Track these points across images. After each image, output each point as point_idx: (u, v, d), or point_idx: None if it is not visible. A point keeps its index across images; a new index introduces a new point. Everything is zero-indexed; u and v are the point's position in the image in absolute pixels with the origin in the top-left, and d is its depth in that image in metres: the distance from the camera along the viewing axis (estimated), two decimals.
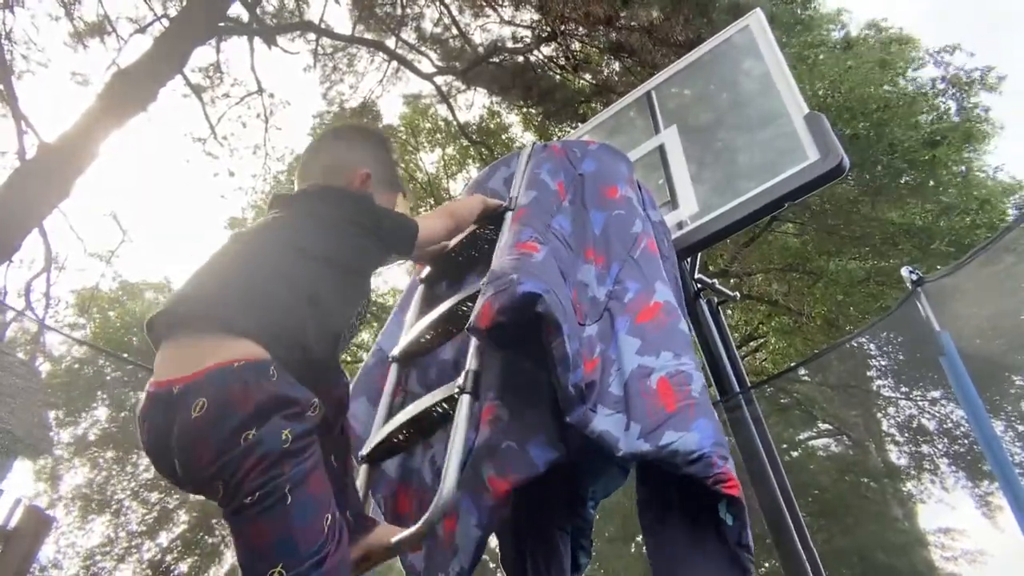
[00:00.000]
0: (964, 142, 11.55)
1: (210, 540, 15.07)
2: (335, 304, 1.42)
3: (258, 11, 12.74)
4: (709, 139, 2.50)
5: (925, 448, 13.66)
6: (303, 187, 1.68)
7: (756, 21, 2.47)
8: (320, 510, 1.14)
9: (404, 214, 1.75)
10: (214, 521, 15.12)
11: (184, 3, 11.71)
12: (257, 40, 12.96)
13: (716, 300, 2.45)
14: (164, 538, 14.72)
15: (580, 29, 13.09)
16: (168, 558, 14.58)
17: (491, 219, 1.95)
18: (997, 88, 11.89)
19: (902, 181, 11.59)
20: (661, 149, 2.41)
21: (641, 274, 1.69)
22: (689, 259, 2.28)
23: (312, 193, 1.62)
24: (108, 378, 14.73)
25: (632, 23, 12.07)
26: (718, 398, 2.23)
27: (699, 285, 2.36)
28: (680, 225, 2.14)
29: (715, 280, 2.43)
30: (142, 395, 1.24)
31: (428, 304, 2.03)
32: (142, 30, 12.24)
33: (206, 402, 1.12)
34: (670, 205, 2.23)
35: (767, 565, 12.60)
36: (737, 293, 2.61)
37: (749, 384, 2.32)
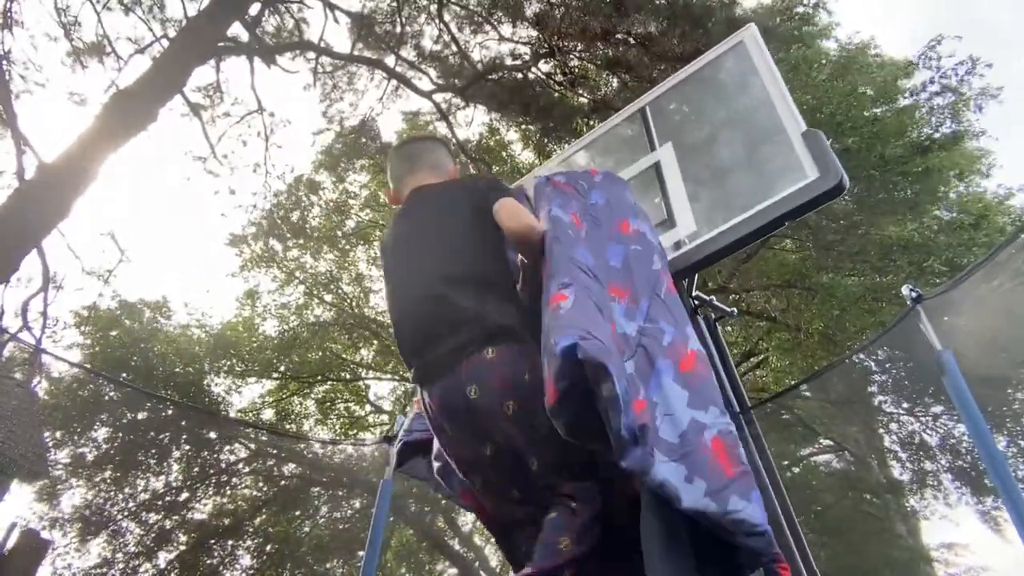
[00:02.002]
0: (955, 144, 11.55)
1: (208, 561, 14.93)
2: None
3: (258, 31, 12.82)
4: (706, 156, 2.48)
5: (928, 464, 13.58)
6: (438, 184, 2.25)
7: (750, 36, 2.44)
8: None
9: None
10: (212, 542, 15.01)
11: (184, 24, 11.80)
12: (257, 60, 13.03)
13: (714, 316, 2.43)
14: (162, 559, 14.59)
15: (577, 45, 13.18)
16: None
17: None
18: (989, 91, 11.86)
19: (898, 195, 11.60)
20: (657, 167, 2.38)
21: (672, 316, 1.66)
22: (686, 278, 2.25)
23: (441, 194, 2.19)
24: (106, 398, 14.65)
25: (629, 38, 12.15)
26: None
27: (696, 302, 2.34)
28: (678, 245, 2.11)
29: (712, 296, 2.40)
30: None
31: None
32: (141, 51, 12.30)
33: None
34: (667, 224, 2.21)
35: None
36: (735, 309, 2.59)
37: (749, 404, 2.29)
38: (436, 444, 1.99)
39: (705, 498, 1.29)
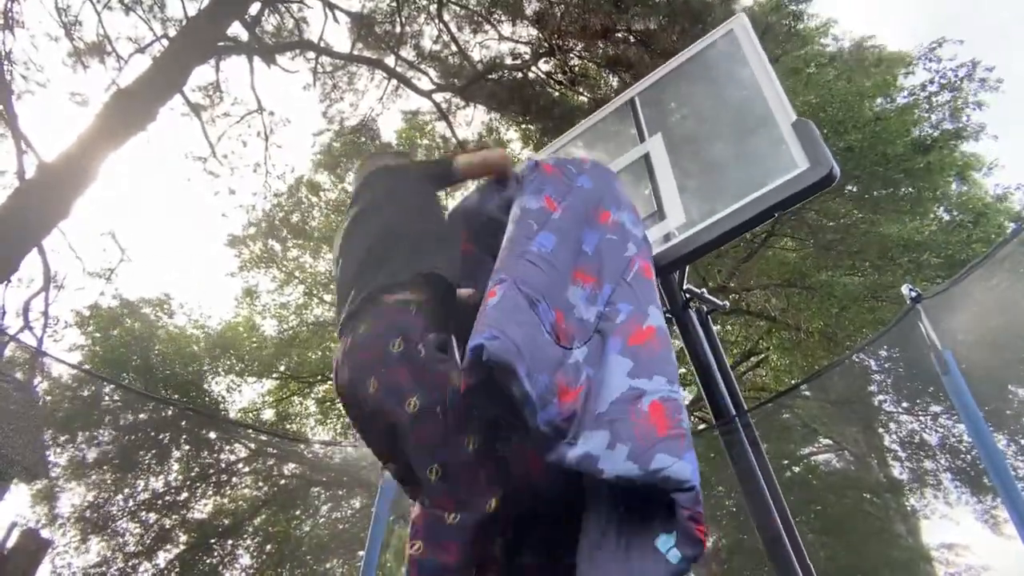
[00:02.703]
0: (955, 140, 11.54)
1: (208, 560, 14.94)
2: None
3: (257, 30, 12.82)
4: (696, 147, 2.45)
5: (928, 463, 13.57)
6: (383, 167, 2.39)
7: (740, 26, 2.42)
8: None
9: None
10: (212, 541, 15.01)
11: (184, 23, 11.80)
12: (257, 59, 13.04)
13: (706, 310, 2.42)
14: (162, 559, 14.59)
15: (577, 44, 13.17)
16: None
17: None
18: (989, 84, 11.84)
19: (899, 193, 11.59)
20: (647, 158, 2.37)
21: (635, 296, 1.68)
22: (676, 270, 2.24)
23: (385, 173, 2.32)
24: (106, 399, 14.66)
25: (629, 35, 12.15)
26: (713, 420, 2.20)
27: (687, 295, 2.33)
28: (668, 237, 2.09)
29: (704, 290, 2.39)
30: None
31: None
32: (142, 50, 12.32)
33: None
34: (657, 216, 2.19)
35: None
36: (726, 303, 2.59)
37: (746, 406, 2.28)
38: None
39: (627, 462, 1.30)
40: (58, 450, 14.04)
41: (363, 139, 15.17)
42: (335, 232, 2.51)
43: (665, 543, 1.26)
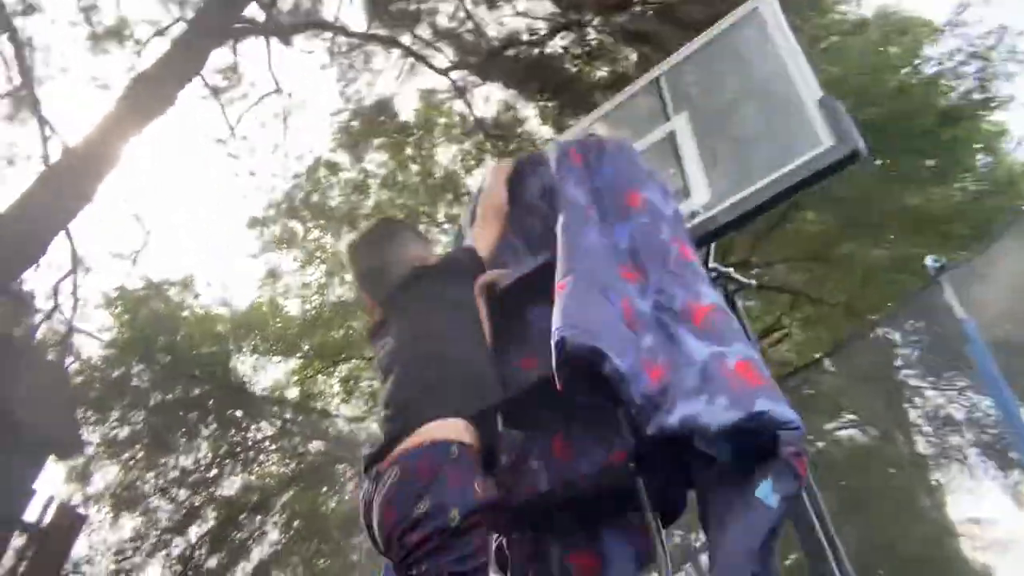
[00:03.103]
0: (983, 111, 11.28)
1: (238, 536, 15.27)
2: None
3: (274, 11, 12.81)
4: (721, 125, 2.45)
5: (953, 438, 13.45)
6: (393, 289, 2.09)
7: (764, 2, 2.42)
8: None
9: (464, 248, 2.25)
10: (242, 518, 15.33)
11: (201, 5, 11.82)
12: (274, 40, 13.05)
13: (732, 288, 2.42)
14: (193, 534, 14.95)
15: (595, 18, 13.02)
16: (197, 554, 14.80)
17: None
18: (1019, 56, 11.50)
19: (925, 164, 11.39)
20: (672, 136, 2.38)
21: (683, 282, 1.70)
22: (703, 248, 2.25)
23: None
24: (135, 379, 14.94)
25: (647, 7, 11.98)
26: None
27: (714, 274, 2.34)
28: (693, 215, 2.11)
29: (731, 269, 2.40)
30: None
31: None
32: (160, 33, 12.36)
33: None
34: (682, 194, 2.20)
35: (792, 557, 12.50)
36: (753, 281, 2.59)
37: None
38: None
39: (729, 411, 1.33)
40: (91, 428, 14.37)
41: (381, 117, 15.16)
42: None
43: (763, 490, 1.29)
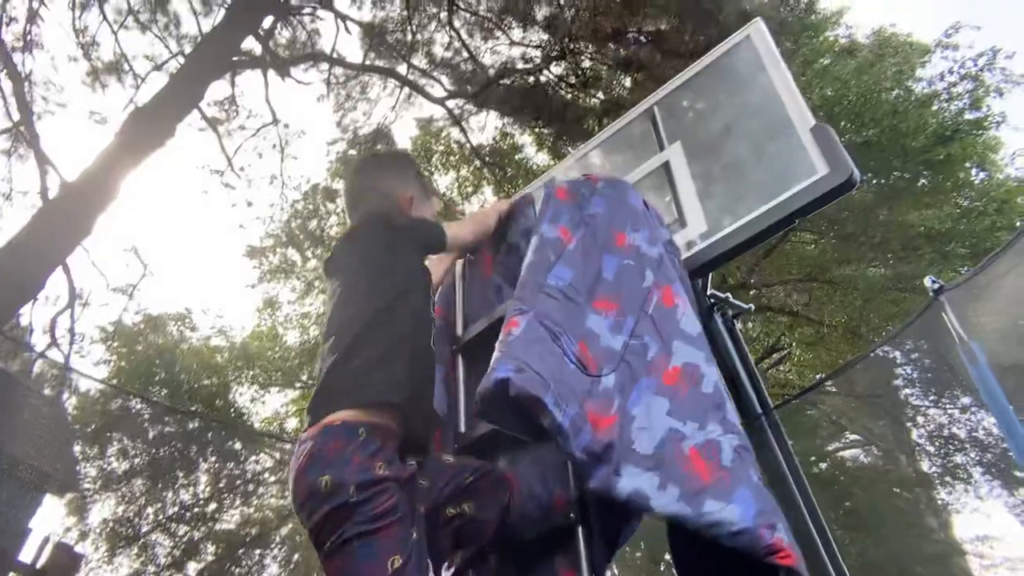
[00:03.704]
0: (977, 132, 11.38)
1: (237, 571, 15.07)
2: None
3: (271, 44, 12.95)
4: (715, 154, 2.44)
5: (957, 457, 13.38)
6: (350, 228, 2.01)
7: (756, 30, 2.42)
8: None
9: (433, 221, 2.09)
10: (240, 552, 15.14)
11: (199, 40, 11.95)
12: (271, 72, 13.17)
13: (731, 313, 2.41)
14: (191, 570, 14.75)
15: (589, 46, 13.17)
16: None
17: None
18: (1012, 78, 11.62)
19: (919, 184, 11.47)
20: (666, 166, 2.37)
21: (657, 331, 1.65)
22: (699, 279, 2.24)
23: (350, 248, 1.92)
24: (133, 412, 14.86)
25: (640, 36, 12.13)
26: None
27: (712, 300, 2.32)
28: (689, 245, 2.10)
29: (728, 294, 2.38)
30: None
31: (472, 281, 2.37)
32: (158, 68, 12.49)
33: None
34: (678, 224, 2.19)
35: None
36: (752, 305, 2.57)
37: (771, 404, 2.26)
38: None
39: (679, 502, 1.29)
40: (87, 464, 14.26)
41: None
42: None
43: None
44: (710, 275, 2.28)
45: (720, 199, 2.23)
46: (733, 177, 2.32)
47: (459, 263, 2.48)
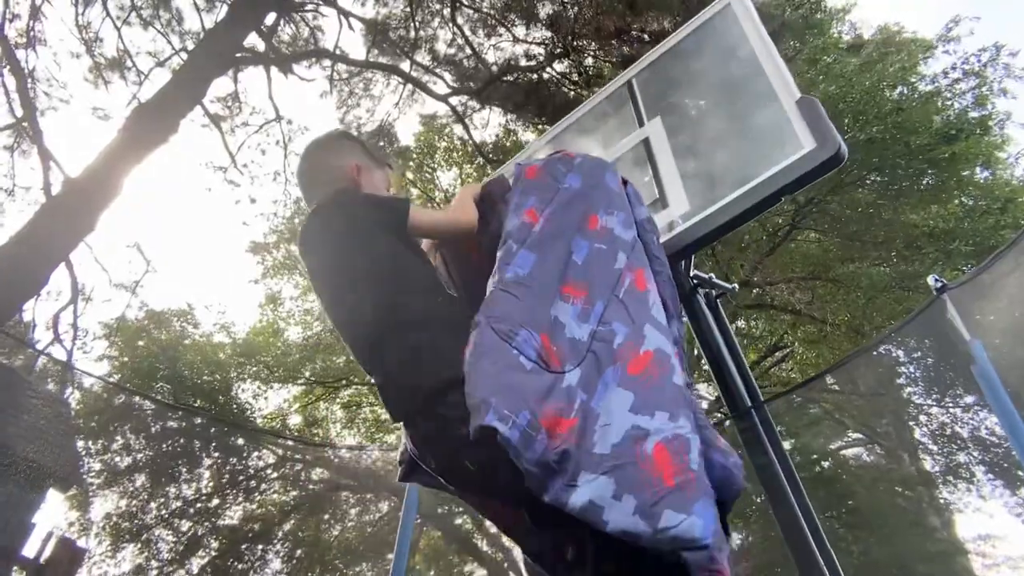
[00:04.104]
0: (982, 132, 11.31)
1: (239, 566, 15.10)
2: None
3: (274, 40, 12.96)
4: (698, 130, 2.35)
5: (960, 456, 13.35)
6: (310, 213, 1.94)
7: (737, 0, 2.33)
8: None
9: (393, 196, 2.07)
10: (243, 547, 15.17)
11: (201, 36, 11.96)
12: (274, 69, 13.18)
13: (714, 294, 2.35)
14: (195, 565, 14.79)
15: (592, 44, 13.16)
16: None
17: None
18: (1016, 73, 11.56)
19: (923, 182, 11.42)
20: (646, 143, 2.30)
21: (628, 316, 1.56)
22: (683, 260, 2.16)
23: (316, 231, 1.88)
24: (136, 408, 14.89)
25: (643, 34, 12.11)
26: (728, 412, 2.16)
27: (695, 280, 2.26)
28: (671, 226, 2.02)
29: (711, 275, 2.32)
30: None
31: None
32: (161, 64, 12.51)
33: None
34: (659, 204, 2.12)
35: None
36: (735, 285, 2.50)
37: (761, 397, 2.24)
38: None
39: (634, 516, 1.21)
40: (90, 460, 14.30)
41: (381, 143, 15.26)
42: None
43: None
44: (692, 256, 2.21)
45: (703, 177, 2.13)
46: (716, 154, 2.22)
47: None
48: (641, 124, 2.43)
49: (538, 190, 1.91)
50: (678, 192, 2.09)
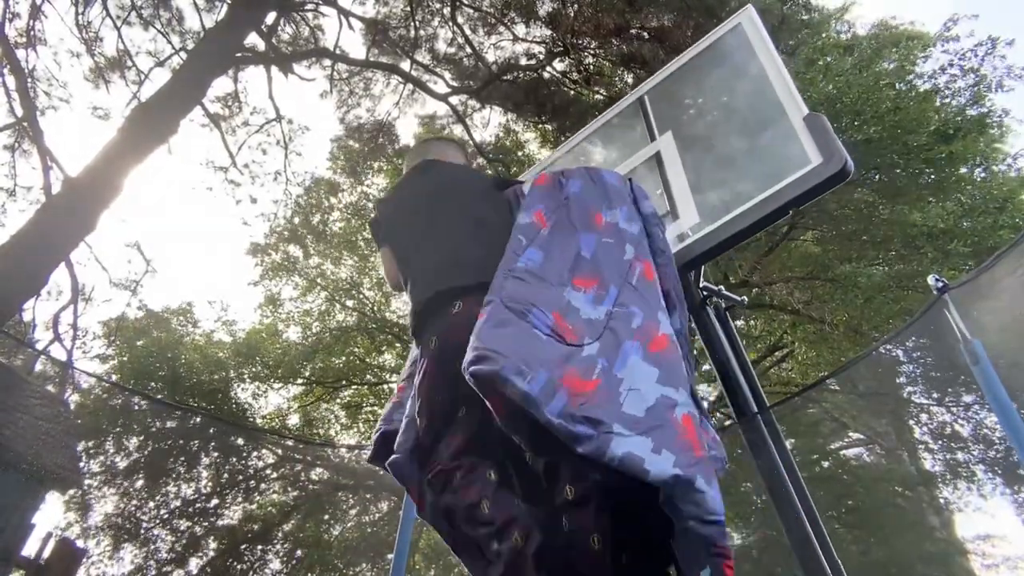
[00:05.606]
0: (979, 132, 11.30)
1: (239, 567, 15.09)
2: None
3: (274, 40, 12.95)
4: (707, 145, 2.40)
5: (960, 455, 13.34)
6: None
7: (748, 19, 2.37)
8: None
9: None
10: (243, 547, 15.16)
11: (201, 36, 11.95)
12: (274, 68, 13.18)
13: (724, 306, 2.37)
14: (194, 565, 14.78)
15: (591, 42, 13.15)
16: None
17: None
18: (1014, 71, 11.51)
19: (921, 182, 11.40)
20: (657, 157, 2.34)
21: (643, 300, 1.64)
22: (692, 271, 2.20)
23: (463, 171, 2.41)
24: (136, 408, 14.88)
25: (643, 32, 12.11)
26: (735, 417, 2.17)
27: (704, 292, 2.29)
28: (681, 237, 2.06)
29: (721, 287, 2.35)
30: None
31: None
32: (161, 64, 12.50)
33: None
34: (670, 216, 2.16)
35: None
36: (745, 298, 2.53)
37: (767, 402, 2.24)
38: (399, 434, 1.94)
39: (675, 468, 1.25)
40: (89, 460, 14.27)
41: (381, 141, 15.27)
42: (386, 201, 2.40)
43: None
44: (703, 267, 2.24)
45: (713, 190, 2.19)
46: (726, 168, 2.28)
47: None
48: (652, 139, 2.49)
49: (546, 197, 2.00)
50: (688, 204, 2.13)
